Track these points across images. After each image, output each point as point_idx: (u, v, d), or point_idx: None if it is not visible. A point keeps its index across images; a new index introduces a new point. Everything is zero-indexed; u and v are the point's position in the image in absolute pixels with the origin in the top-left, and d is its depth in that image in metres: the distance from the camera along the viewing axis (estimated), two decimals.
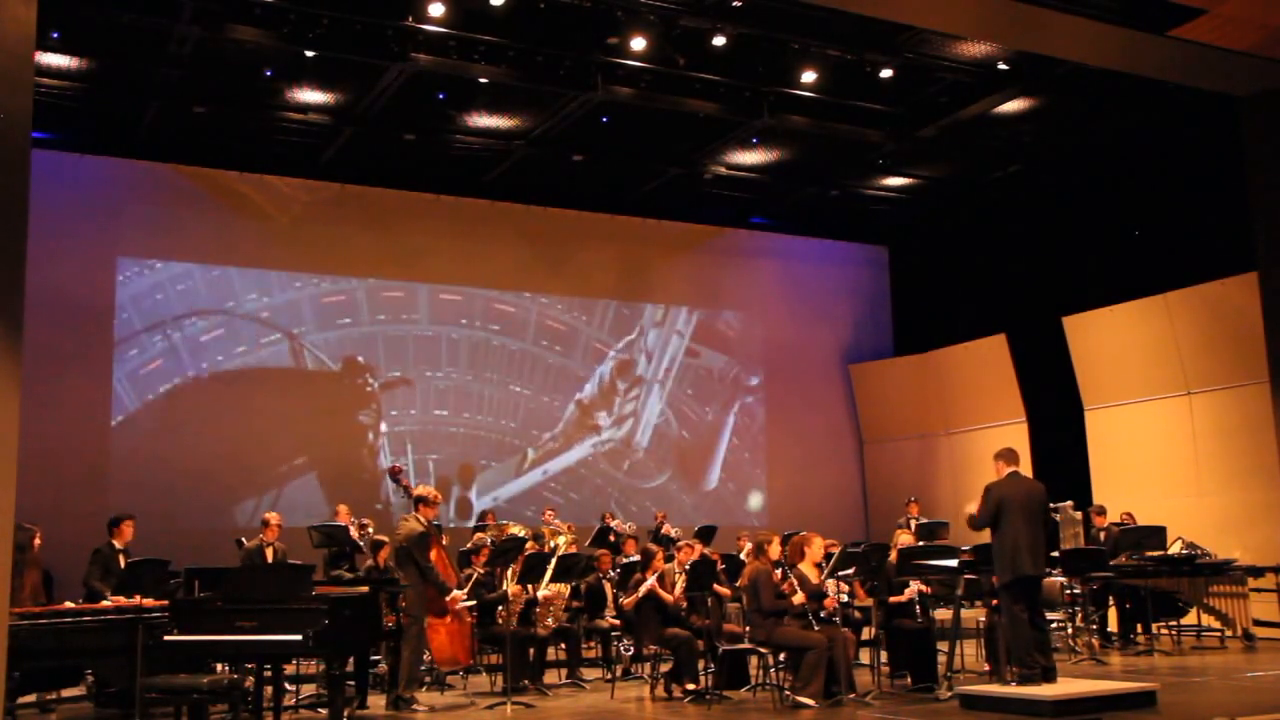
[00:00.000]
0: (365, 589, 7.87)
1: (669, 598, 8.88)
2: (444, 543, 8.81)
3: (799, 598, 8.04)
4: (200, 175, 13.74)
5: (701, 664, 8.66)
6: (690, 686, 8.55)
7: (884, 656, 9.07)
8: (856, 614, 9.58)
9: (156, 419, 13.21)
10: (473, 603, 9.01)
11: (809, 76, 12.40)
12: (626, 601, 9.07)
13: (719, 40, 11.45)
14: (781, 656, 8.25)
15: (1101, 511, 12.44)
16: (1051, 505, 11.33)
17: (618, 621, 9.96)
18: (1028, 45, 10.79)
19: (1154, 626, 11.48)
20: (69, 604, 7.85)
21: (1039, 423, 15.09)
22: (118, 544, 9.07)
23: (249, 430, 13.58)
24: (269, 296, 14.01)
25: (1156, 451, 13.46)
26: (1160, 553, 11.40)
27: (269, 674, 7.56)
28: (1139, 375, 13.68)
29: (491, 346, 15.12)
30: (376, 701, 8.49)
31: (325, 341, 14.22)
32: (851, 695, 8.08)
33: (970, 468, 15.55)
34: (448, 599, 8.48)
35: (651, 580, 8.87)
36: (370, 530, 11.01)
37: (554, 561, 9.60)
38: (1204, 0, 8.99)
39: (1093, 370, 14.27)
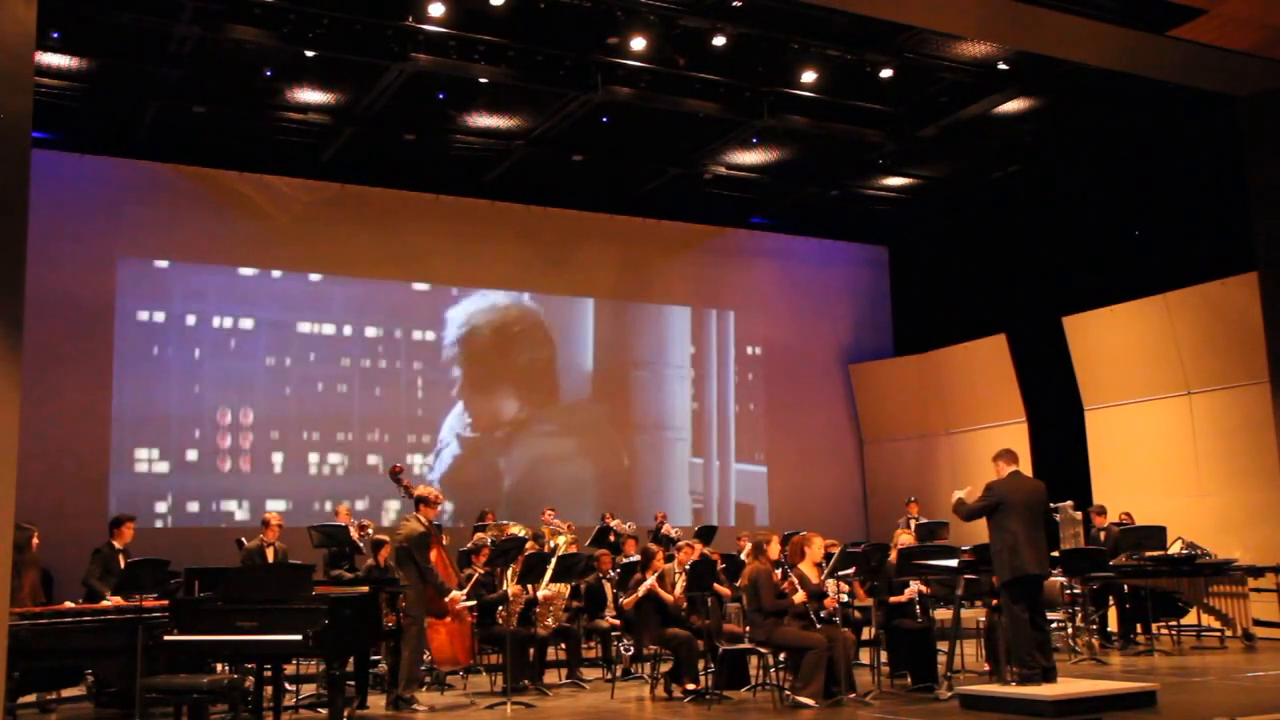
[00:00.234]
0: (365, 589, 7.87)
1: (669, 598, 8.88)
2: (444, 543, 8.80)
3: (799, 598, 8.04)
4: (200, 175, 13.74)
5: (701, 664, 8.66)
6: (690, 686, 8.55)
7: (884, 656, 9.07)
8: (856, 614, 9.58)
9: (157, 419, 13.20)
10: (473, 603, 9.00)
11: (809, 76, 12.40)
12: (626, 601, 9.07)
13: (719, 40, 11.45)
14: (781, 656, 8.25)
15: (1101, 511, 12.44)
16: (1051, 505, 11.37)
17: (618, 621, 9.96)
18: (1028, 45, 10.79)
19: (1154, 626, 11.48)
20: (69, 604, 7.85)
21: (1039, 423, 15.09)
22: (117, 544, 9.06)
23: (250, 430, 13.58)
24: (269, 296, 14.01)
25: (1156, 451, 13.46)
26: (1160, 553, 11.40)
27: (269, 674, 7.55)
28: (1139, 375, 13.68)
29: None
30: (376, 701, 8.48)
31: (326, 341, 14.23)
32: (851, 695, 8.08)
33: (970, 468, 15.53)
34: (447, 600, 8.47)
35: (651, 580, 8.86)
36: (370, 531, 11.02)
37: (554, 561, 9.60)
38: (1204, 0, 8.99)
39: (1093, 370, 14.27)
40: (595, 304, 15.97)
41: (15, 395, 6.18)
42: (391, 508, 14.02)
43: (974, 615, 9.55)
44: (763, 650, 8.37)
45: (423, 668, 8.86)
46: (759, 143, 14.37)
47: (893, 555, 9.14)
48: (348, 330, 14.38)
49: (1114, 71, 11.05)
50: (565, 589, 10.08)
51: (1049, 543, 8.31)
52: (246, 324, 13.85)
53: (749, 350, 17.03)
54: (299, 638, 6.75)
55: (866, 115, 13.45)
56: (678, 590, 8.94)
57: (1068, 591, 10.97)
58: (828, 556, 8.74)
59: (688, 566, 8.83)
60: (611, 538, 12.36)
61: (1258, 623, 11.35)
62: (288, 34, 10.83)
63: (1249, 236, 10.97)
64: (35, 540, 8.11)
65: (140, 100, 12.46)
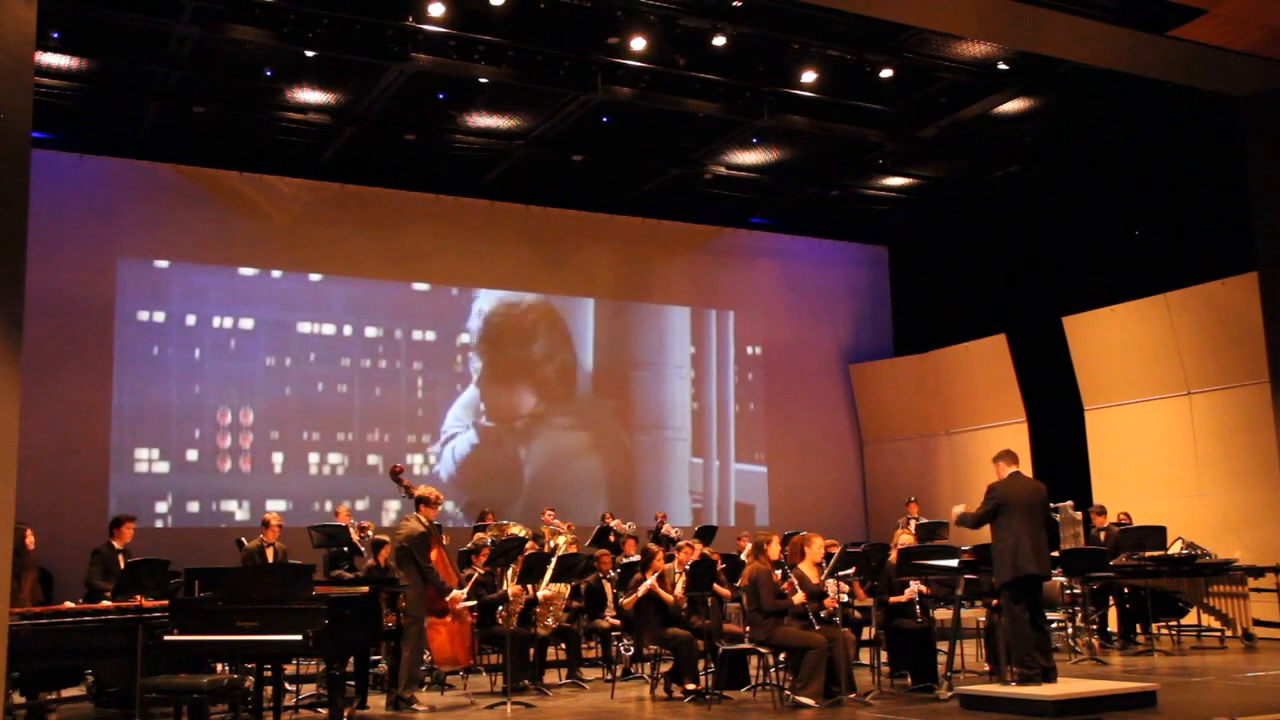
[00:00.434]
0: (365, 589, 7.87)
1: (669, 598, 8.88)
2: (444, 543, 8.80)
3: (799, 598, 8.04)
4: (200, 175, 13.74)
5: (701, 664, 8.66)
6: (690, 686, 8.55)
7: (884, 656, 9.07)
8: (856, 614, 9.58)
9: (157, 419, 13.20)
10: (473, 603, 9.01)
11: (809, 76, 12.41)
12: (626, 601, 9.07)
13: (719, 40, 11.45)
14: (781, 656, 8.25)
15: (1101, 511, 12.45)
16: (1051, 505, 11.37)
17: (618, 621, 9.96)
18: (1028, 45, 10.79)
19: (1154, 626, 11.47)
20: (69, 604, 7.85)
21: (1039, 423, 15.09)
22: (117, 544, 9.06)
23: (250, 430, 13.59)
24: (269, 296, 14.01)
25: (1156, 451, 13.46)
26: (1160, 553, 11.40)
27: (269, 674, 7.55)
28: (1139, 375, 13.68)
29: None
30: (376, 701, 8.48)
31: (326, 341, 14.23)
32: (851, 695, 8.08)
33: (970, 468, 15.56)
34: (448, 599, 8.47)
35: (651, 580, 8.86)
36: (370, 532, 11.01)
37: (554, 561, 9.61)
38: (1204, 0, 8.99)
39: (1093, 370, 14.27)
40: (595, 304, 15.97)
41: (15, 395, 6.18)
42: (392, 508, 14.02)
43: (974, 615, 9.55)
44: (763, 650, 8.37)
45: (423, 668, 8.86)
46: (759, 143, 14.37)
47: (893, 555, 9.14)
48: (348, 330, 14.38)
49: (1114, 71, 11.06)
50: (565, 589, 10.08)
51: (1049, 543, 8.31)
52: (246, 324, 13.84)
53: (749, 350, 17.03)
54: (299, 638, 6.74)
55: (866, 115, 13.44)
56: (678, 590, 8.94)
57: (1068, 591, 10.97)
58: (828, 556, 8.74)
59: (688, 566, 8.83)
60: (611, 538, 12.37)
61: (1258, 623, 11.35)
62: (288, 34, 10.82)
63: (1249, 236, 10.97)
64: (30, 539, 8.11)
65: (140, 100, 12.46)
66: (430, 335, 14.86)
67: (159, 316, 13.41)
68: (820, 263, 17.73)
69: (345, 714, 7.32)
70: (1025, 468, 10.93)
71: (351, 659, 7.91)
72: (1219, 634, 11.55)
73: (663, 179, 15.44)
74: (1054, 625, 10.02)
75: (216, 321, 13.69)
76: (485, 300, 15.24)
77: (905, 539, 9.71)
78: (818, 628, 7.98)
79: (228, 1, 10.51)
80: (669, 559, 9.26)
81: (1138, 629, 11.58)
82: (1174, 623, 11.58)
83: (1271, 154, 10.56)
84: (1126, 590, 11.47)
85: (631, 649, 10.26)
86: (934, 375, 16.69)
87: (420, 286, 14.94)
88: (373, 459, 14.21)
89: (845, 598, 9.28)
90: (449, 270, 15.01)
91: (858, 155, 14.80)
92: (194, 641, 6.87)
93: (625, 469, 15.86)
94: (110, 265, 13.21)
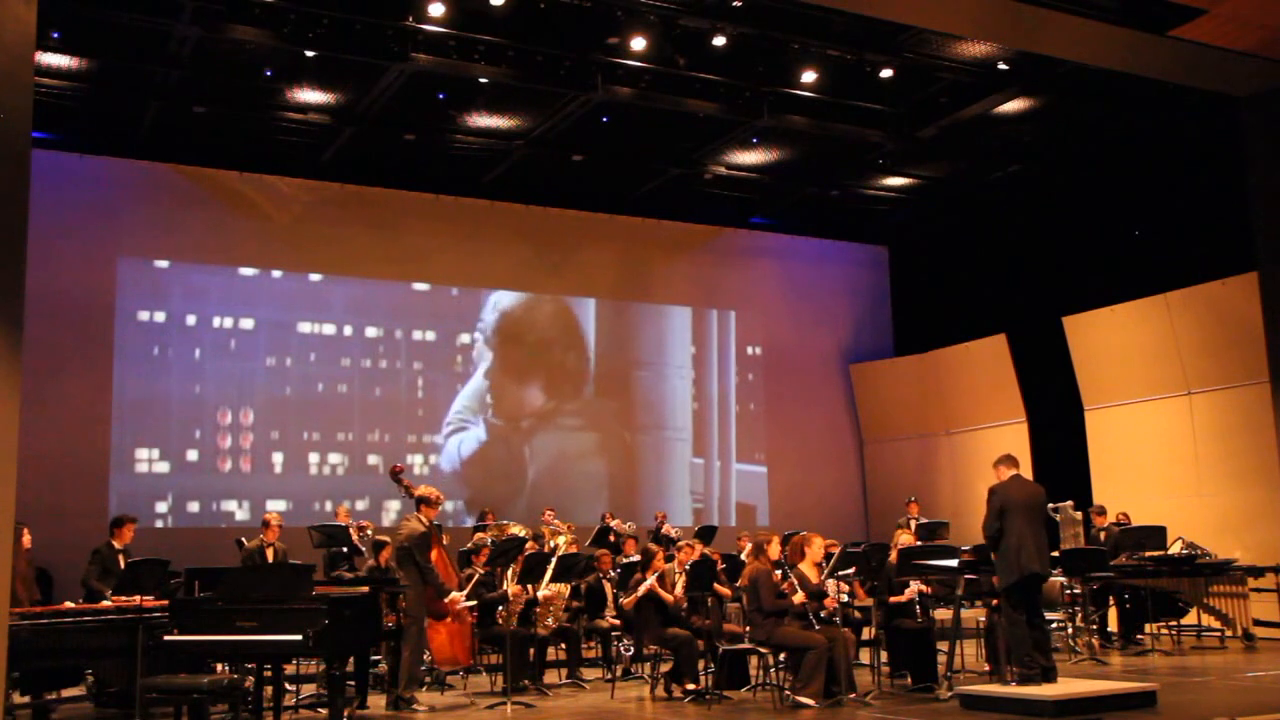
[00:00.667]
0: (365, 589, 7.87)
1: (669, 598, 8.88)
2: (444, 542, 8.80)
3: (799, 598, 8.04)
4: (200, 175, 13.74)
5: (701, 664, 8.66)
6: (690, 686, 8.55)
7: (884, 656, 9.07)
8: (856, 614, 9.58)
9: (157, 419, 13.20)
10: (473, 603, 9.01)
11: (809, 76, 12.40)
12: (626, 601, 9.07)
13: (719, 40, 11.45)
14: (781, 656, 8.24)
15: (1101, 511, 12.45)
16: (1051, 505, 11.37)
17: (618, 621, 9.96)
18: (1028, 45, 10.79)
19: (1154, 626, 11.47)
20: (69, 604, 7.85)
21: (1039, 423, 15.09)
22: (117, 544, 9.06)
23: (250, 430, 13.59)
24: (269, 296, 14.01)
25: (1156, 451, 13.46)
26: (1160, 553, 11.40)
27: (269, 674, 7.55)
28: (1139, 375, 13.68)
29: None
30: (376, 701, 8.48)
31: (326, 341, 14.23)
32: (851, 695, 8.08)
33: (970, 468, 15.56)
34: (447, 601, 8.47)
35: (651, 580, 8.86)
36: (369, 532, 11.02)
37: (554, 561, 9.60)
38: (1204, 0, 8.99)
39: (1093, 370, 14.27)
40: (596, 304, 15.98)
41: (15, 395, 6.18)
42: (392, 508, 14.02)
43: (974, 615, 9.55)
44: (763, 650, 8.37)
45: (423, 668, 8.86)
46: (759, 143, 14.37)
47: (893, 555, 9.14)
48: (348, 330, 14.38)
49: (1114, 71, 11.05)
50: (565, 589, 10.08)
51: (1049, 543, 8.32)
52: (247, 324, 13.85)
53: (749, 350, 17.03)
54: (299, 638, 6.74)
55: (866, 115, 13.44)
56: (678, 590, 8.94)
57: (1068, 591, 10.97)
58: (828, 556, 8.74)
59: (688, 566, 8.83)
60: (611, 538, 12.37)
61: (1258, 623, 11.36)
62: (288, 34, 10.82)
63: (1249, 236, 10.97)
64: (27, 538, 8.10)
65: (140, 100, 12.46)
66: (430, 335, 14.86)
67: (159, 316, 13.41)
68: (820, 263, 17.73)
69: (345, 714, 7.32)
70: (1025, 468, 10.93)
71: (351, 659, 7.91)
72: (1219, 634, 11.55)
73: (663, 179, 15.44)
74: (1054, 625, 10.02)
75: (216, 321, 13.69)
76: (503, 296, 15.25)
77: (905, 539, 9.71)
78: (818, 628, 7.98)
79: (228, 1, 10.51)
80: (669, 559, 9.27)
81: (1145, 629, 11.54)
82: (1174, 623, 11.57)
83: (1271, 154, 10.56)
84: (1126, 591, 11.46)
85: (631, 649, 10.27)
86: (934, 375, 16.69)
87: (420, 286, 14.94)
88: (373, 459, 14.21)
89: (845, 598, 9.29)
90: (449, 270, 15.01)
91: (858, 155, 14.80)
92: (194, 641, 6.87)
93: (626, 469, 15.86)
94: (110, 265, 13.21)
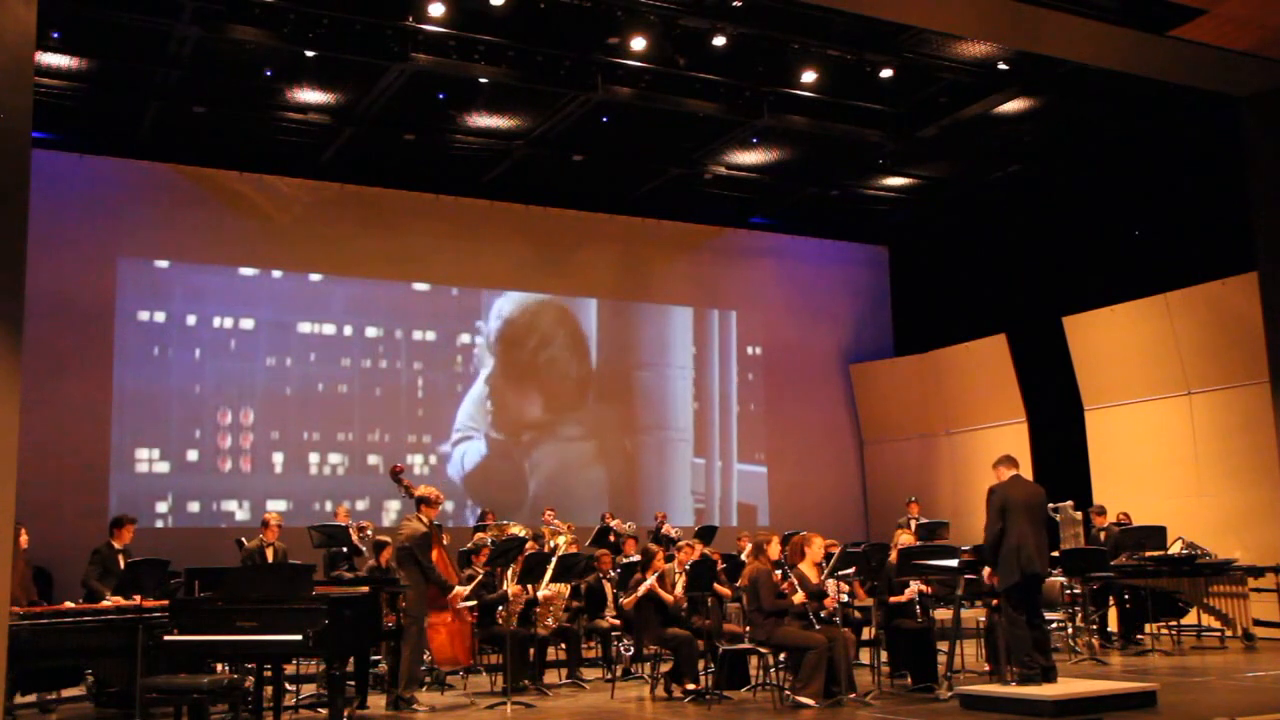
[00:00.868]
0: (365, 589, 7.87)
1: (669, 598, 8.88)
2: (445, 542, 8.80)
3: (799, 598, 8.04)
4: (200, 175, 13.74)
5: (701, 664, 8.66)
6: (690, 686, 8.55)
7: (884, 656, 9.07)
8: (856, 614, 9.58)
9: (157, 419, 13.21)
10: (473, 603, 9.01)
11: (809, 76, 12.40)
12: (626, 601, 9.07)
13: (719, 40, 11.45)
14: (781, 656, 8.24)
15: (1101, 511, 12.45)
16: (1051, 505, 11.37)
17: (618, 621, 9.96)
18: (1028, 45, 10.79)
19: (1154, 626, 11.47)
20: (69, 604, 7.85)
21: (1039, 423, 15.09)
22: (116, 545, 9.06)
23: (250, 430, 13.59)
24: (269, 296, 14.01)
25: (1156, 451, 13.46)
26: (1160, 553, 11.40)
27: (269, 674, 7.55)
28: (1139, 375, 13.68)
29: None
30: (376, 701, 8.48)
31: (327, 341, 14.23)
32: (851, 695, 8.07)
33: (970, 468, 15.56)
34: (450, 595, 8.48)
35: (651, 580, 8.86)
36: (369, 532, 11.02)
37: (554, 561, 9.60)
38: (1204, 0, 8.99)
39: (1093, 370, 14.27)
40: (597, 304, 15.98)
41: (15, 395, 6.19)
42: (392, 508, 14.02)
43: (974, 615, 9.55)
44: (763, 650, 8.37)
45: (423, 668, 8.86)
46: (759, 143, 14.37)
47: (893, 555, 9.14)
48: (348, 330, 14.38)
49: (1114, 71, 11.05)
50: (565, 589, 10.08)
51: (1049, 543, 8.32)
52: (247, 324, 13.85)
53: (749, 350, 17.03)
54: (299, 638, 6.74)
55: (866, 115, 13.44)
56: (678, 590, 8.94)
57: (1068, 591, 10.97)
58: (828, 556, 8.74)
59: (688, 566, 8.83)
60: (611, 538, 12.37)
61: (1258, 623, 11.35)
62: (288, 34, 10.83)
63: (1249, 236, 10.97)
64: (23, 538, 8.10)
65: (140, 100, 12.46)
66: (430, 335, 14.86)
67: (159, 316, 13.42)
68: (820, 263, 17.73)
69: (345, 714, 7.32)
70: (1025, 468, 10.93)
71: (351, 659, 7.91)
72: (1219, 634, 11.55)
73: (663, 179, 15.43)
74: (1054, 625, 10.02)
75: (216, 321, 13.69)
76: (505, 303, 15.24)
77: (905, 539, 9.71)
78: (818, 628, 7.98)
79: (228, 1, 10.52)
80: (669, 559, 9.26)
81: (1146, 629, 11.54)
82: (1174, 623, 11.57)
83: (1272, 154, 10.56)
84: (1126, 591, 11.46)
85: (631, 649, 10.27)
86: (934, 375, 16.69)
87: (420, 286, 14.94)
88: (373, 459, 14.21)
89: (845, 598, 9.28)
90: (449, 270, 15.01)
91: (858, 155, 14.80)
92: (194, 641, 6.87)
93: (628, 470, 15.86)
94: (110, 265, 13.21)
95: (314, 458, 13.97)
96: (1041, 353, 14.96)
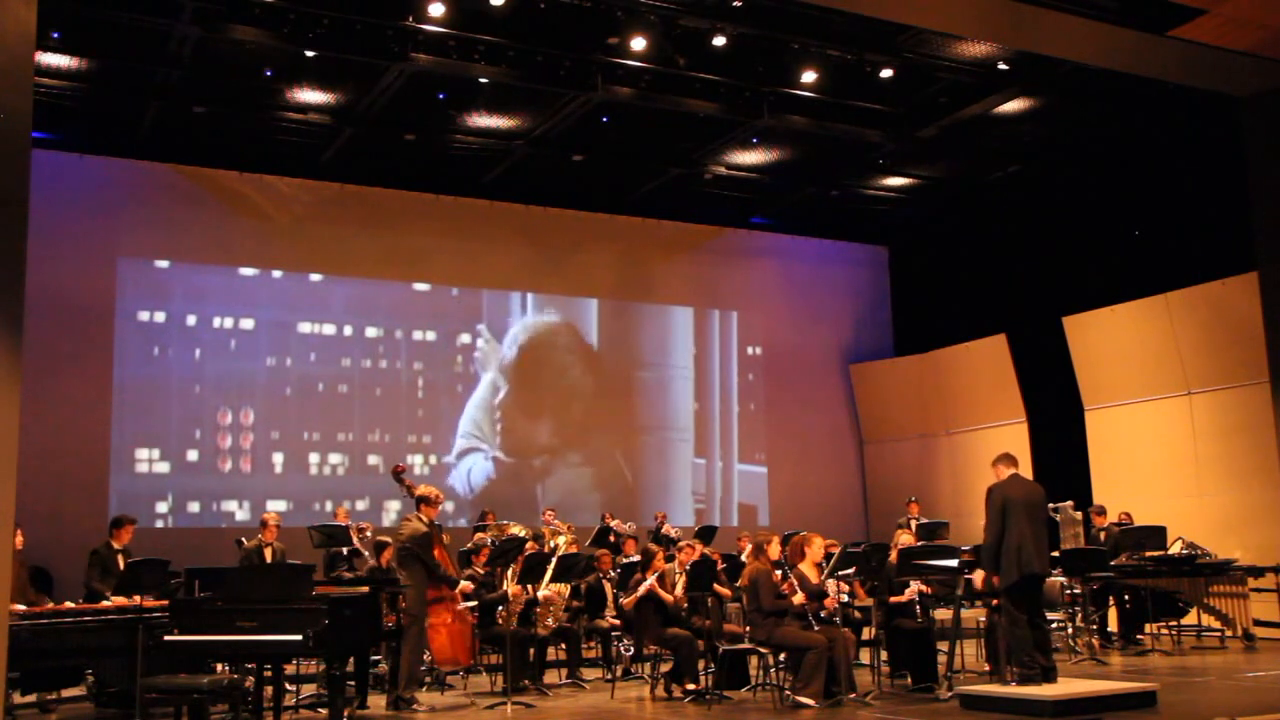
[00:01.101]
0: (365, 589, 7.87)
1: (669, 598, 8.88)
2: (445, 542, 8.80)
3: (799, 598, 8.04)
4: (200, 175, 13.74)
5: (701, 664, 8.66)
6: (690, 686, 8.55)
7: (884, 656, 9.07)
8: (856, 614, 9.58)
9: (157, 419, 13.21)
10: (473, 603, 9.01)
11: (809, 76, 12.40)
12: (626, 601, 9.07)
13: (719, 40, 11.45)
14: (781, 656, 8.25)
15: (1101, 511, 12.44)
16: (1051, 505, 11.36)
17: (618, 621, 9.96)
18: (1028, 45, 10.79)
19: (1154, 626, 11.47)
20: (69, 604, 7.85)
21: (1039, 423, 15.09)
22: (116, 545, 9.06)
23: (250, 430, 13.59)
24: (269, 296, 14.01)
25: (1156, 451, 13.46)
26: (1160, 553, 11.40)
27: (269, 674, 7.55)
28: (1139, 375, 13.68)
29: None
30: (376, 701, 8.49)
31: (327, 341, 14.23)
32: (851, 695, 8.08)
33: (970, 468, 15.55)
34: (458, 590, 8.49)
35: (651, 580, 8.86)
36: (368, 533, 11.01)
37: (554, 561, 9.60)
38: (1204, 0, 8.99)
39: (1093, 370, 14.27)
40: (597, 304, 15.98)
41: (15, 395, 6.19)
42: (392, 508, 14.02)
43: (974, 615, 9.55)
44: (763, 650, 8.37)
45: (423, 668, 8.86)
46: (759, 143, 14.37)
47: (893, 555, 9.14)
48: (348, 330, 14.38)
49: (1114, 71, 11.05)
50: (565, 589, 10.08)
51: (1049, 543, 8.31)
52: (247, 324, 13.85)
53: (749, 350, 17.03)
54: (299, 638, 6.74)
55: (866, 115, 13.44)
56: (678, 590, 8.94)
57: (1068, 591, 10.97)
58: (828, 556, 8.74)
59: (688, 567, 8.83)
60: (611, 538, 12.37)
61: (1258, 623, 11.35)
62: (288, 34, 10.83)
63: (1249, 236, 10.97)
64: (19, 539, 8.10)
65: (140, 100, 12.46)
66: (430, 335, 14.86)
67: (159, 316, 13.42)
68: (820, 263, 17.73)
69: (345, 714, 7.32)
70: (1025, 468, 10.93)
71: (351, 659, 7.91)
72: (1219, 634, 11.55)
73: (663, 179, 15.43)
74: (1054, 625, 10.02)
75: (217, 321, 13.69)
76: (520, 330, 15.27)
77: (905, 539, 9.71)
78: (817, 628, 7.98)
79: (228, 1, 10.51)
80: (669, 559, 9.27)
81: (1147, 629, 11.53)
82: (1174, 623, 11.57)
83: (1271, 154, 10.57)
84: (1126, 591, 11.45)
85: (631, 649, 10.27)
86: (934, 375, 16.69)
87: (420, 286, 14.94)
88: (373, 459, 14.21)
89: (845, 598, 9.29)
90: (449, 270, 15.01)
91: (858, 155, 14.80)
92: (194, 641, 6.87)
93: (629, 470, 15.85)
94: (110, 265, 13.21)
95: (314, 458, 13.97)
96: (1041, 353, 14.96)
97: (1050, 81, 12.46)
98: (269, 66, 11.83)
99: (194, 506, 13.30)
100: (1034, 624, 7.85)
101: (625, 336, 16.15)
